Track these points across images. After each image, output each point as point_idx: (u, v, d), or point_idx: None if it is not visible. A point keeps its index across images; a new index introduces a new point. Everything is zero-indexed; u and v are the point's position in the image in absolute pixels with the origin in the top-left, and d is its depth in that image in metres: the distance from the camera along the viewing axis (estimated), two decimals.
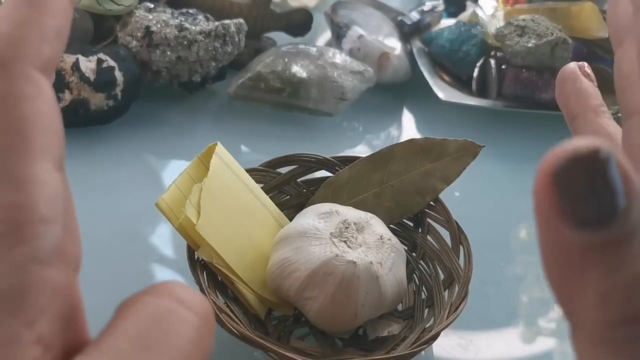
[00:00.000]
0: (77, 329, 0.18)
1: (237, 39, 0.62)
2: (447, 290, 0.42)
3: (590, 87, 0.29)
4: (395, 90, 0.70)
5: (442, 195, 0.45)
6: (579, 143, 0.15)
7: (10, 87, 0.18)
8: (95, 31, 0.61)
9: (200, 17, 0.62)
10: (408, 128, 0.68)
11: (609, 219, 0.15)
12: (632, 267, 0.15)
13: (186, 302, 0.17)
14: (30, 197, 0.17)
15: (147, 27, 0.59)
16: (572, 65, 0.29)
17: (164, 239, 0.49)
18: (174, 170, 0.54)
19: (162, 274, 0.46)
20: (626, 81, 0.25)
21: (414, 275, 0.45)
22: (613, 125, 0.28)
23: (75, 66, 0.54)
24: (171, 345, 0.16)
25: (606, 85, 0.75)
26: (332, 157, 0.47)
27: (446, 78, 0.68)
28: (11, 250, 0.16)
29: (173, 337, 0.17)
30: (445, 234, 0.44)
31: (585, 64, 0.30)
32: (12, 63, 0.18)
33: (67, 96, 0.54)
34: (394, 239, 0.41)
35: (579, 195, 0.15)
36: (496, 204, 0.57)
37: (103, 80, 0.55)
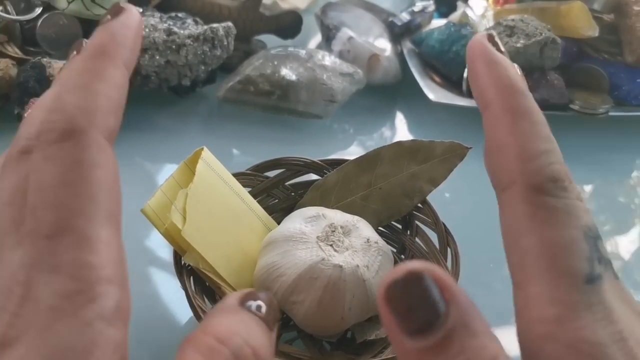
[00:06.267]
0: None
1: (225, 43, 0.62)
2: None
3: (504, 68, 0.23)
4: (386, 92, 0.70)
5: (432, 197, 0.45)
6: (398, 271, 0.18)
7: (85, 154, 0.19)
8: (83, 36, 0.61)
9: (189, 21, 0.62)
10: (399, 129, 0.67)
11: (430, 327, 0.17)
12: None
13: None
14: (100, 259, 0.19)
15: None
16: (480, 37, 0.23)
17: (153, 243, 0.49)
18: (164, 174, 0.54)
19: (153, 279, 0.46)
20: None
21: None
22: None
23: None
24: None
25: (597, 84, 0.74)
26: (320, 160, 0.47)
27: (436, 79, 0.68)
28: (83, 308, 0.18)
29: None
30: (433, 236, 0.44)
31: (494, 32, 0.24)
32: (86, 132, 0.20)
33: None
34: (381, 242, 0.41)
35: (405, 310, 0.18)
36: (487, 205, 0.56)
37: None
